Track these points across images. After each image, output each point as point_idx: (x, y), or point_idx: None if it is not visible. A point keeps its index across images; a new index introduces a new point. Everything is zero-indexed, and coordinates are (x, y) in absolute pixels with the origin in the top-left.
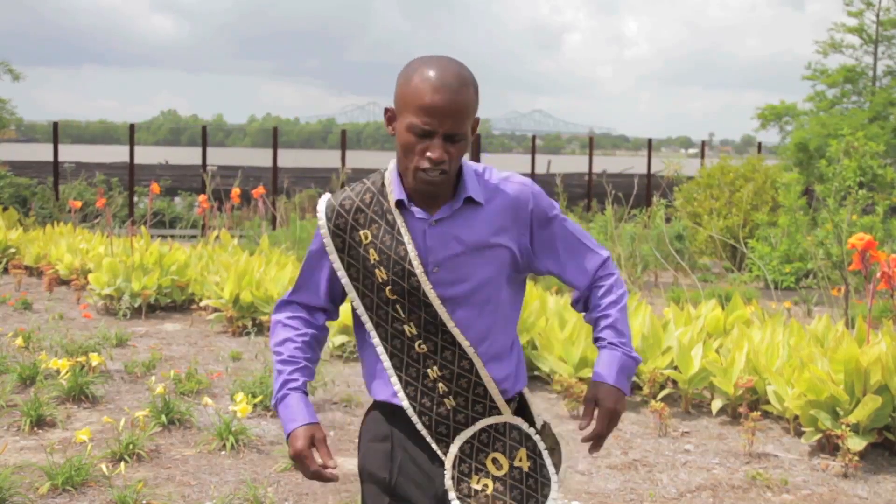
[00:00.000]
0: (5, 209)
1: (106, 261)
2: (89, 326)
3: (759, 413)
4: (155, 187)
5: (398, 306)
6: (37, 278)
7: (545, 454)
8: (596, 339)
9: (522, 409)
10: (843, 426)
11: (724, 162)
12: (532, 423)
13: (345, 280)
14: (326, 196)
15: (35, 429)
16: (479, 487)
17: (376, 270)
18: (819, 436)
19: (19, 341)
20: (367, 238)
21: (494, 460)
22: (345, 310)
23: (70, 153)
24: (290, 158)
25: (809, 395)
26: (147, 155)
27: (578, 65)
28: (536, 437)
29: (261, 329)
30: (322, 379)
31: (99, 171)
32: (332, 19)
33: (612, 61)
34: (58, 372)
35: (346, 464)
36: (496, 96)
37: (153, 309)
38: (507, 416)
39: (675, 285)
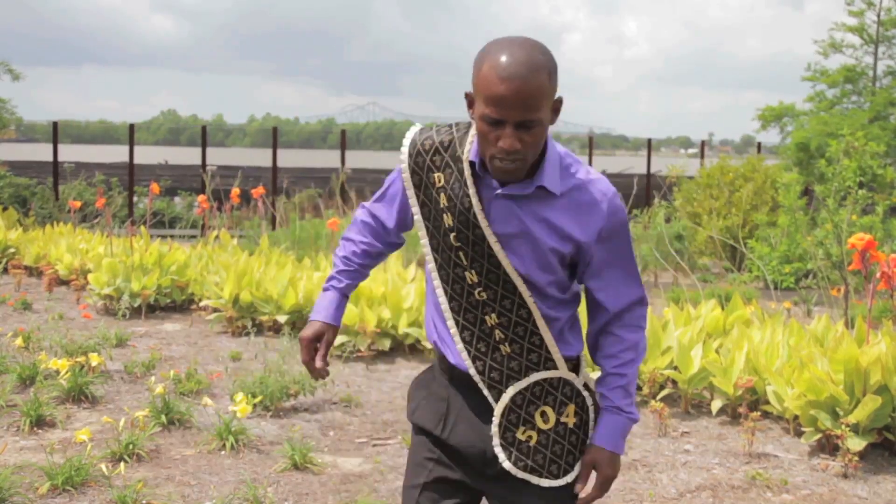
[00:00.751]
0: (5, 209)
1: (106, 261)
2: (89, 326)
3: (758, 413)
4: (155, 187)
5: (461, 253)
6: (36, 278)
7: (591, 411)
8: (601, 394)
9: (575, 369)
10: (843, 426)
11: (724, 162)
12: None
13: (417, 217)
14: (414, 129)
15: (35, 429)
16: (523, 438)
17: (444, 215)
18: (819, 436)
19: (19, 341)
20: (440, 181)
21: (543, 413)
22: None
23: (70, 153)
24: (289, 158)
25: (809, 395)
26: (147, 155)
27: (578, 65)
28: (586, 393)
29: (260, 329)
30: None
31: (99, 171)
32: (332, 19)
33: (612, 61)
34: (57, 372)
35: (346, 464)
36: None
37: (153, 309)
38: (562, 370)
39: (674, 285)
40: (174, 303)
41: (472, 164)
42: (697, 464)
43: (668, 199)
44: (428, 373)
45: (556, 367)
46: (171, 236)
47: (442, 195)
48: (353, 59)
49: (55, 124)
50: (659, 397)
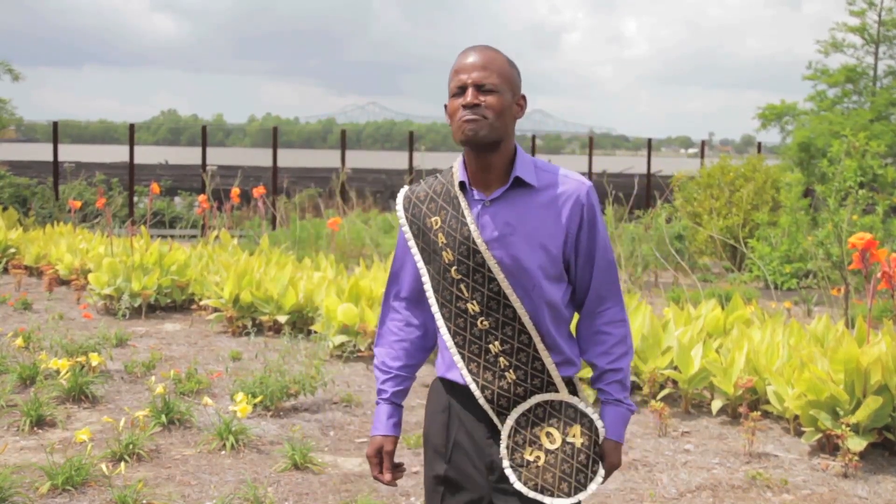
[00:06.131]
0: (5, 209)
1: (106, 261)
2: (89, 326)
3: (759, 413)
4: (155, 187)
5: (462, 286)
6: (37, 278)
7: (601, 432)
8: (599, 389)
9: (574, 392)
10: (844, 426)
11: (725, 162)
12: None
13: (420, 264)
14: (404, 189)
15: (35, 429)
16: (531, 458)
17: (443, 252)
18: (819, 436)
19: (19, 341)
20: (437, 224)
21: (549, 434)
22: (343, 310)
23: (70, 153)
24: (290, 158)
25: (809, 395)
26: (147, 155)
27: (578, 65)
28: (595, 416)
29: (260, 329)
30: (322, 379)
31: (99, 170)
32: (332, 19)
33: (612, 61)
34: (58, 372)
35: (346, 464)
36: None
37: (153, 309)
38: (563, 394)
39: (675, 285)
40: (174, 303)
41: (461, 184)
42: (697, 464)
43: (671, 202)
44: (433, 388)
45: (557, 391)
46: (172, 236)
47: (440, 235)
48: (353, 59)
49: (55, 124)
50: (659, 397)
